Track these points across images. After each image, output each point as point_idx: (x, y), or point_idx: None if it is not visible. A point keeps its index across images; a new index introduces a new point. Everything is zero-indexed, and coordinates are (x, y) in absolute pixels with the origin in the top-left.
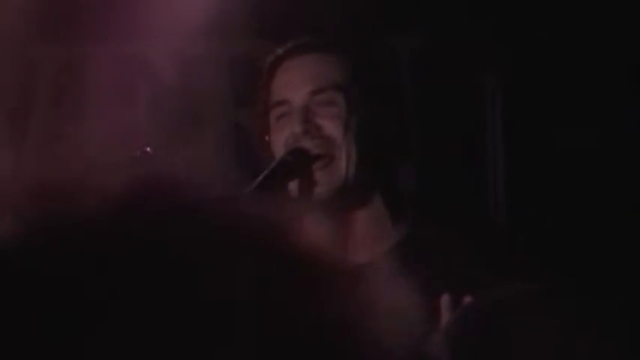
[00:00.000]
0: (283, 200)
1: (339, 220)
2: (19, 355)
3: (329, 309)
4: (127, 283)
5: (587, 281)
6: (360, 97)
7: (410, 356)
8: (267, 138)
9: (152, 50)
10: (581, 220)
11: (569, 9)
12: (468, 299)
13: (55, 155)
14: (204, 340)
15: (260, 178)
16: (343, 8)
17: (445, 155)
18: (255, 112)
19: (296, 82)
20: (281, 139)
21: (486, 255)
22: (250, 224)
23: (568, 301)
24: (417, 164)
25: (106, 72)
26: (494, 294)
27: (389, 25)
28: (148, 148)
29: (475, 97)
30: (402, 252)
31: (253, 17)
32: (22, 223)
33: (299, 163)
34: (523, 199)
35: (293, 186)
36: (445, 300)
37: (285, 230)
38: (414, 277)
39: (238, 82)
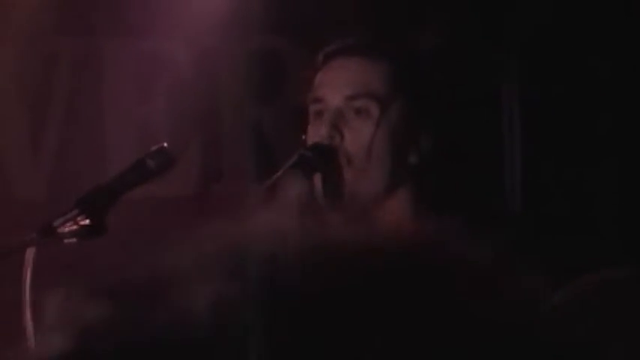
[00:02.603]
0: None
1: (362, 223)
2: None
3: None
4: None
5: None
6: (396, 105)
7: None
8: (305, 132)
9: (170, 45)
10: (599, 215)
11: (583, 12)
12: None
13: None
14: None
15: (279, 173)
16: (365, 8)
17: (462, 151)
18: (305, 106)
19: (335, 84)
20: (316, 136)
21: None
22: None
23: None
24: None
25: (124, 66)
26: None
27: (410, 25)
28: (165, 144)
29: (492, 93)
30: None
31: (270, 12)
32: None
33: (319, 159)
34: (541, 201)
35: (317, 183)
36: None
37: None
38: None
39: (255, 77)
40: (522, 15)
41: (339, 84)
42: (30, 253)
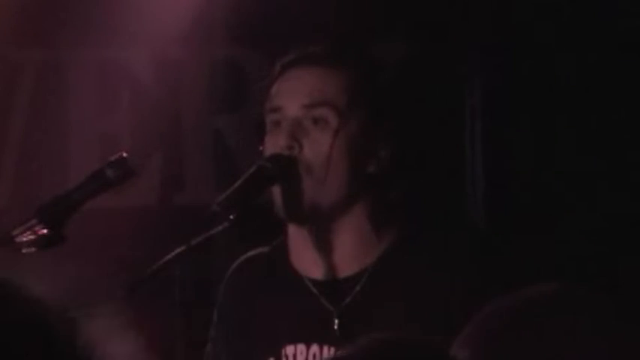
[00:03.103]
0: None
1: (323, 236)
2: None
3: None
4: None
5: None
6: (354, 115)
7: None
8: (262, 142)
9: (133, 55)
10: (563, 221)
11: (549, 15)
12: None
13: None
14: None
15: (237, 183)
16: (326, 15)
17: (427, 163)
18: (260, 116)
19: (292, 93)
20: (274, 146)
21: (470, 263)
22: None
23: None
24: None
25: (86, 77)
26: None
27: (375, 35)
28: (124, 153)
29: (456, 106)
30: (386, 265)
31: (233, 23)
32: None
33: (278, 170)
34: (502, 204)
35: (277, 200)
36: None
37: None
38: (398, 289)
39: (218, 87)
40: (486, 28)
41: (296, 93)
42: None
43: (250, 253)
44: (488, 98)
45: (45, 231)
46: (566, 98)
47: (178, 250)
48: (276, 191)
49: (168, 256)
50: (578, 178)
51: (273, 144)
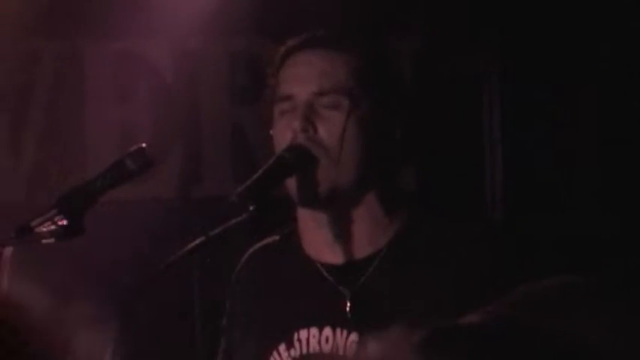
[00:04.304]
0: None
1: (336, 219)
2: None
3: None
4: None
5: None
6: (365, 99)
7: None
8: (270, 132)
9: (152, 47)
10: (578, 216)
11: (572, 7)
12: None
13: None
14: None
15: (256, 175)
16: (344, 7)
17: (444, 154)
18: (262, 103)
19: (302, 79)
20: (283, 135)
21: (478, 255)
22: None
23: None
24: (415, 163)
25: (105, 68)
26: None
27: (389, 27)
28: (144, 144)
29: (474, 97)
30: (398, 248)
31: (252, 14)
32: None
33: (297, 159)
34: (521, 197)
35: (290, 186)
36: None
37: None
38: (410, 271)
39: (237, 79)
40: (505, 16)
41: (306, 80)
42: (7, 253)
43: (261, 243)
44: (506, 89)
45: (65, 221)
46: (586, 89)
47: (197, 240)
48: (291, 179)
49: (187, 247)
50: (596, 172)
51: (286, 128)
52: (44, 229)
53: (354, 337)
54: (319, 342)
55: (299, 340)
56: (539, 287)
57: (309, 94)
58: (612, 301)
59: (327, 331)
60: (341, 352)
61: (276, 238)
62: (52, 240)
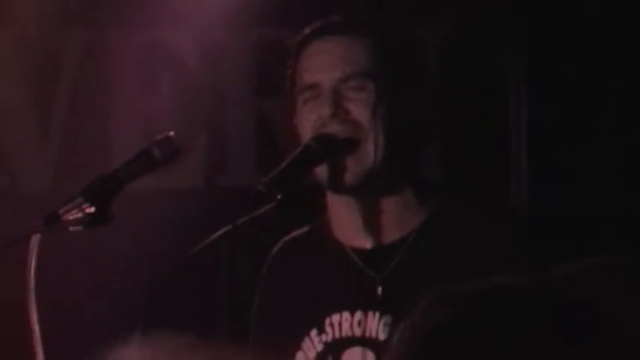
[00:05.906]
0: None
1: (367, 204)
2: None
3: None
4: None
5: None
6: (389, 83)
7: None
8: (293, 121)
9: (176, 36)
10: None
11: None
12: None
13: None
14: None
15: (283, 164)
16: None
17: (469, 142)
18: (284, 93)
19: (325, 67)
20: (309, 123)
21: (506, 242)
22: None
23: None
24: (442, 151)
25: (130, 57)
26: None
27: (414, 15)
28: (172, 133)
29: (499, 86)
30: (428, 232)
31: (278, 3)
32: None
33: (325, 148)
34: (546, 186)
35: (321, 172)
36: None
37: None
38: (440, 256)
39: (262, 69)
40: (531, 13)
41: (330, 67)
42: (35, 241)
43: (291, 235)
44: (533, 85)
45: (92, 209)
46: (613, 84)
47: (224, 229)
48: (322, 169)
49: (214, 235)
50: (622, 167)
51: (311, 116)
52: (71, 217)
53: (385, 320)
54: (351, 326)
55: (331, 325)
56: (581, 265)
57: (333, 81)
58: None
59: (359, 315)
60: (373, 336)
61: (306, 229)
62: (79, 228)
